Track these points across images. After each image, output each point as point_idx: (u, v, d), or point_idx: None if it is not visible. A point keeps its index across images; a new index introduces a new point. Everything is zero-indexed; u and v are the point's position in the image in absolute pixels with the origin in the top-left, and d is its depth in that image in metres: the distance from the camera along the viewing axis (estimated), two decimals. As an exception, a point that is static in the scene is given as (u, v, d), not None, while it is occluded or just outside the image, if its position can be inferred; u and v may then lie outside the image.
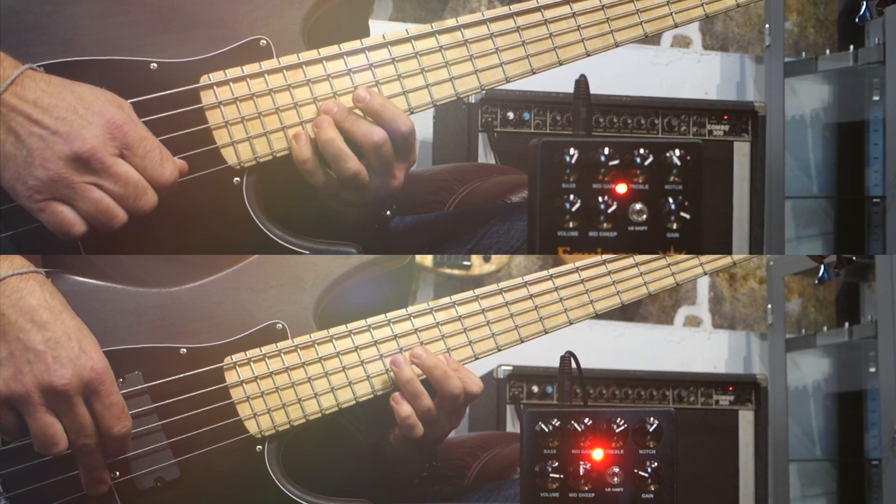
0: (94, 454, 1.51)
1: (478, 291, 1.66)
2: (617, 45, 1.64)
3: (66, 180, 1.45)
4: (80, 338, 1.49)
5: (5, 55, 1.48)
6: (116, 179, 1.47)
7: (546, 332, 1.68)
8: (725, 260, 1.75)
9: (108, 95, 1.49)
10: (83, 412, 1.48)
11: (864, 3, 1.75)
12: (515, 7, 1.62)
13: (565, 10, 1.63)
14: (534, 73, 1.63)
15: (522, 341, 1.67)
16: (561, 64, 1.63)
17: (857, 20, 1.78)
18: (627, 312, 3.60)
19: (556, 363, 1.69)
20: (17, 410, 1.48)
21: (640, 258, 1.70)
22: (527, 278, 1.68)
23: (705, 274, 1.73)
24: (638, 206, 1.54)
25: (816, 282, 1.86)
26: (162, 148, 1.51)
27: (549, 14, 1.62)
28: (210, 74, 1.56)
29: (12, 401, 1.47)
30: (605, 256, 1.69)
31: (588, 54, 1.63)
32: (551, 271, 1.68)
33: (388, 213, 1.71)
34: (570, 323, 1.68)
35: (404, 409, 1.61)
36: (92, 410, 1.49)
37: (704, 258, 1.72)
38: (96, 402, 1.49)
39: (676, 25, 1.65)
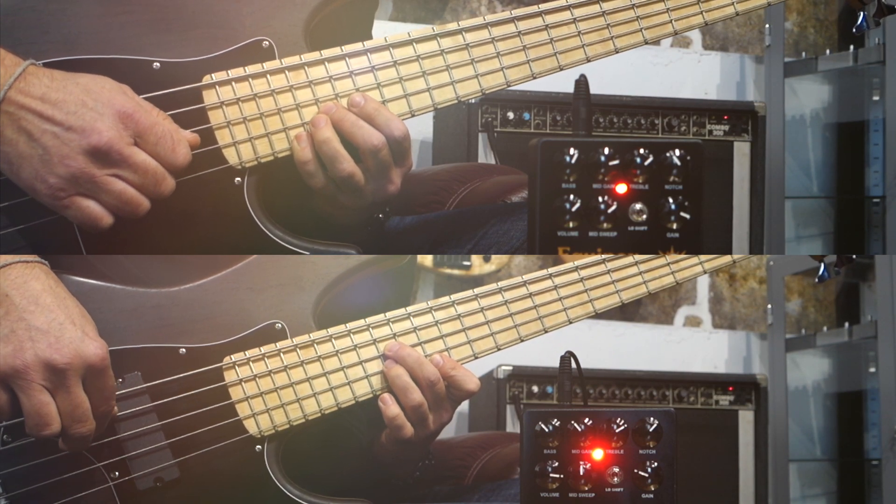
0: (85, 441, 1.50)
1: (477, 290, 1.66)
2: (617, 51, 1.64)
3: (88, 174, 1.46)
4: (83, 323, 1.49)
5: (6, 52, 1.48)
6: (136, 169, 1.48)
7: (546, 331, 1.68)
8: (725, 258, 1.76)
9: (110, 83, 1.49)
10: (80, 394, 1.48)
11: (862, 13, 1.76)
12: (517, 12, 1.62)
13: (566, 15, 1.63)
14: (535, 78, 1.63)
15: (522, 340, 1.67)
16: (561, 69, 1.64)
17: (854, 30, 1.78)
18: (627, 312, 3.60)
19: (556, 363, 1.69)
20: (11, 390, 1.48)
21: (639, 257, 1.70)
22: (526, 277, 1.68)
23: (705, 272, 1.73)
24: (638, 206, 1.54)
25: (816, 280, 1.85)
26: (172, 131, 1.51)
27: (549, 19, 1.63)
28: (212, 74, 1.56)
29: (10, 377, 1.47)
30: (604, 255, 1.69)
31: (588, 60, 1.63)
32: (550, 270, 1.68)
33: (381, 215, 1.70)
34: (570, 322, 1.68)
35: (392, 409, 1.61)
36: (85, 392, 1.49)
37: (704, 257, 1.72)
38: (91, 386, 1.49)
39: (676, 32, 1.65)
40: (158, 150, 1.49)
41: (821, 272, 1.81)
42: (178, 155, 1.51)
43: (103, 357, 1.49)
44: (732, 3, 1.66)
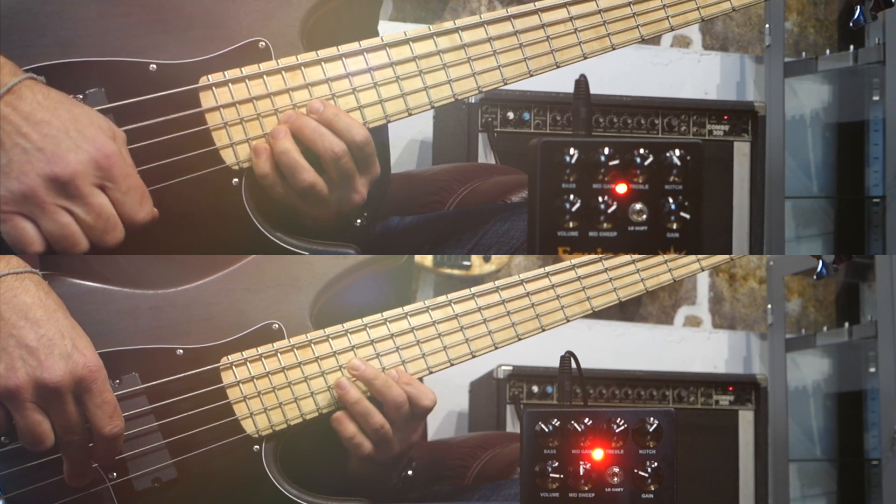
0: (80, 450, 1.50)
1: (474, 289, 1.66)
2: (614, 47, 1.64)
3: (38, 198, 1.43)
4: (73, 336, 1.49)
5: (6, 61, 1.47)
6: (90, 210, 1.45)
7: (543, 330, 1.68)
8: (722, 256, 1.75)
9: (104, 123, 1.48)
10: (73, 410, 1.48)
11: (858, 7, 1.75)
12: (513, 10, 1.62)
13: (562, 13, 1.63)
14: (531, 76, 1.63)
15: (519, 339, 1.67)
16: (558, 66, 1.63)
17: (851, 24, 1.78)
18: (627, 312, 3.60)
19: (556, 363, 1.69)
20: (5, 406, 1.48)
21: (636, 255, 1.70)
22: (523, 276, 1.67)
23: (702, 270, 1.73)
24: (638, 206, 1.54)
25: (815, 277, 1.86)
26: (143, 189, 1.49)
27: (546, 17, 1.63)
28: (209, 76, 1.56)
29: (3, 397, 1.47)
30: (601, 255, 1.69)
31: (585, 57, 1.63)
32: (548, 269, 1.68)
33: (359, 222, 1.68)
34: (567, 320, 1.68)
35: (348, 429, 1.60)
36: (83, 409, 1.49)
37: (701, 255, 1.72)
38: (88, 401, 1.49)
39: (673, 29, 1.65)
40: (125, 199, 1.47)
41: (819, 269, 1.81)
42: (142, 209, 1.48)
43: (94, 370, 1.49)
44: (728, -1, 1.66)
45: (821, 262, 1.80)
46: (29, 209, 1.44)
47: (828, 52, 3.47)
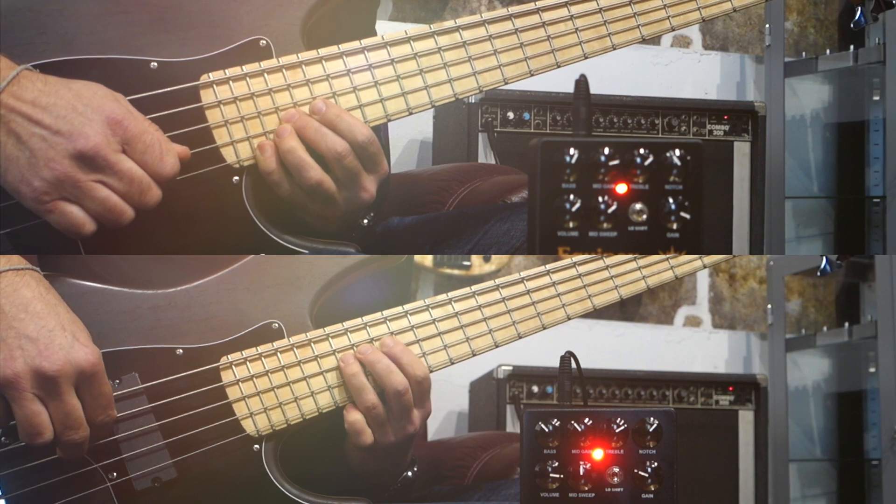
0: (80, 448, 1.50)
1: (475, 288, 1.66)
2: (614, 47, 1.64)
3: (73, 179, 1.45)
4: (74, 329, 1.49)
5: (1, 56, 1.47)
6: (121, 176, 1.47)
7: (544, 328, 1.68)
8: (724, 255, 1.75)
9: (103, 90, 1.49)
10: (72, 401, 1.48)
11: (859, 8, 1.75)
12: (514, 9, 1.62)
13: (563, 12, 1.63)
14: (532, 75, 1.63)
15: (520, 337, 1.67)
16: (559, 66, 1.64)
17: (852, 26, 1.78)
18: (627, 312, 3.60)
19: (556, 363, 1.69)
20: (5, 398, 1.47)
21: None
22: (524, 274, 1.67)
23: (704, 267, 1.73)
24: (638, 206, 1.53)
25: (818, 273, 1.86)
26: (162, 140, 1.50)
27: (546, 17, 1.63)
28: (210, 73, 1.56)
29: (1, 386, 1.47)
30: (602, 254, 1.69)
31: (586, 57, 1.63)
32: (548, 266, 1.68)
33: (366, 221, 1.68)
34: (568, 318, 1.68)
35: (352, 414, 1.60)
36: (80, 400, 1.49)
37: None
38: (85, 392, 1.49)
39: (673, 29, 1.65)
40: (146, 158, 1.48)
41: (822, 265, 1.81)
42: (165, 164, 1.49)
43: (94, 362, 1.49)
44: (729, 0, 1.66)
45: (824, 259, 1.81)
46: (68, 192, 1.46)
47: (828, 51, 3.47)
